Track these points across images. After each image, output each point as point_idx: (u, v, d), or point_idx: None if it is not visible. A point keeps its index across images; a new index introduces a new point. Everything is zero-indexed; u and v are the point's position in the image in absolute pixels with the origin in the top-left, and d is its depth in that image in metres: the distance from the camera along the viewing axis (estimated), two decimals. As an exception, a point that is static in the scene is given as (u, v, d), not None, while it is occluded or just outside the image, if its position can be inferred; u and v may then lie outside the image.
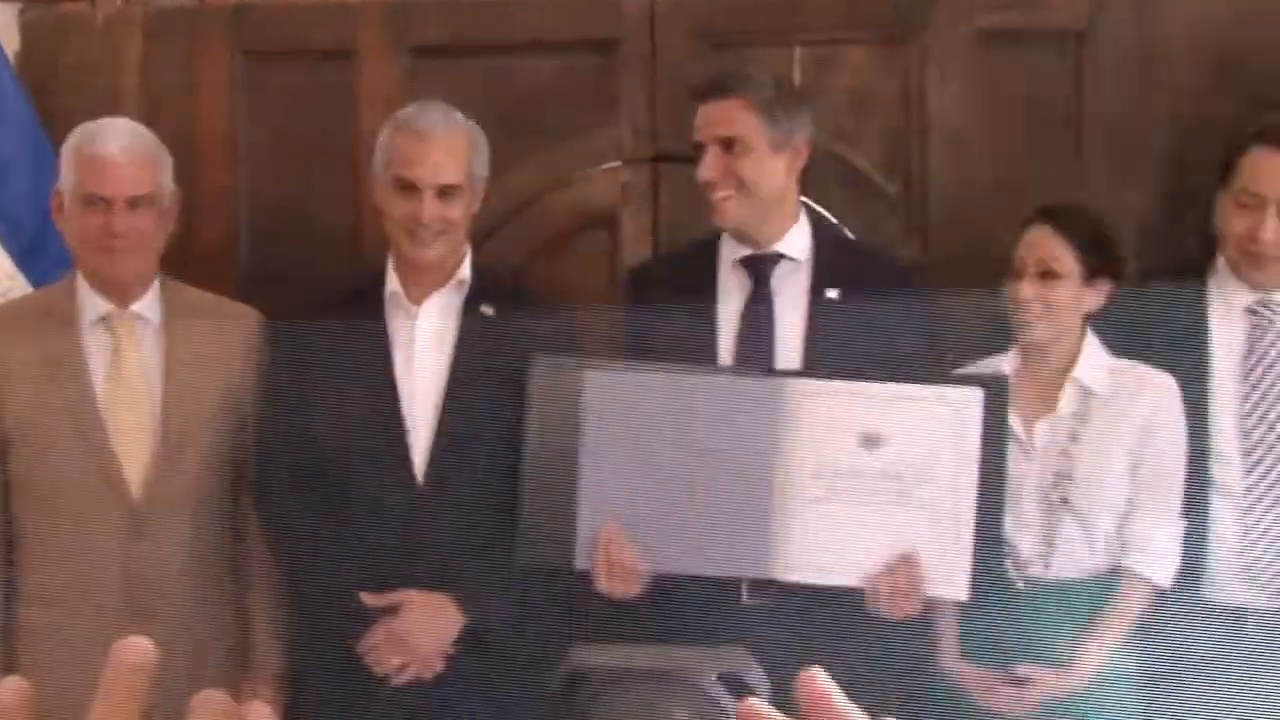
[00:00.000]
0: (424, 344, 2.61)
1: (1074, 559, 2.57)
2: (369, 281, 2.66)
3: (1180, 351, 2.63)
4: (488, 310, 2.62)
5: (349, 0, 3.39)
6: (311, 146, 3.22)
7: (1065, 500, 2.56)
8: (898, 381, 2.39)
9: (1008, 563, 2.57)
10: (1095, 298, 2.62)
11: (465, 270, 2.64)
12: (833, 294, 2.56)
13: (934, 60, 3.12)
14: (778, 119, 2.51)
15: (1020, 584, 2.58)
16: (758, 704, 0.57)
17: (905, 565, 2.34)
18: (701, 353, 2.53)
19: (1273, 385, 2.60)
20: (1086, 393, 2.59)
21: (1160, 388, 2.59)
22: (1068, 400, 2.59)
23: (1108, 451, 2.57)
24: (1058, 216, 2.63)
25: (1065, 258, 2.59)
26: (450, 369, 2.59)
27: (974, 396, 2.36)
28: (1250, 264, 2.61)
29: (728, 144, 2.48)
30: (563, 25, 3.25)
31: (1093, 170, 3.20)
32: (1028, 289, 2.57)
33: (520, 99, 3.22)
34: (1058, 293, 2.58)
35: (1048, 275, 2.58)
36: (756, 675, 0.66)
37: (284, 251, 3.23)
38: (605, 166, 3.04)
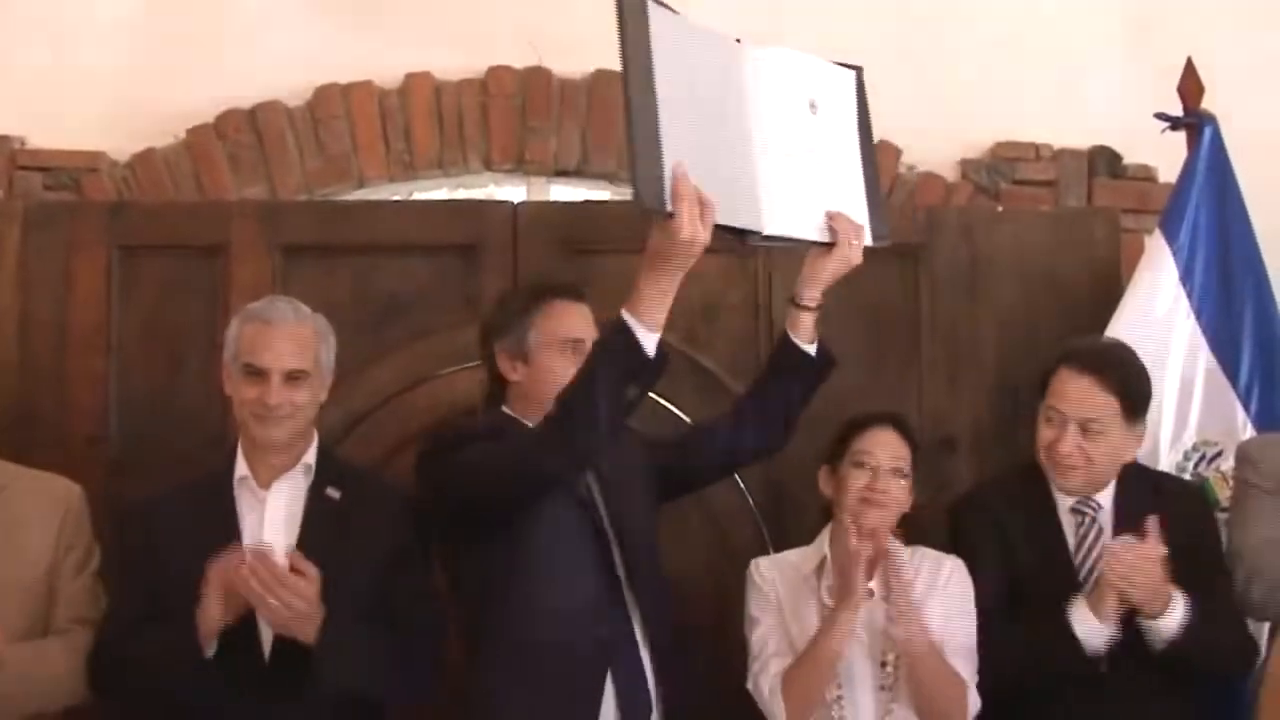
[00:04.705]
0: (273, 526, 2.67)
1: None
2: (220, 467, 2.74)
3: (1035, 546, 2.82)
4: (333, 493, 2.71)
5: (223, 200, 3.57)
6: (182, 337, 3.34)
7: (896, 682, 2.66)
8: None
9: None
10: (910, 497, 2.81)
11: (311, 454, 2.73)
12: None
13: (779, 270, 3.33)
14: None
15: None
16: None
17: (842, 218, 2.61)
18: None
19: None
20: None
21: (955, 566, 2.77)
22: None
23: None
24: (897, 422, 2.82)
25: (908, 459, 2.77)
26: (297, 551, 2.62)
27: (851, 78, 2.70)
28: (1057, 473, 2.84)
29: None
30: (428, 229, 3.43)
31: (929, 376, 3.43)
32: (883, 483, 2.73)
33: (386, 298, 3.39)
34: (898, 492, 2.76)
35: (896, 474, 2.75)
36: None
37: (153, 435, 3.32)
38: (467, 365, 3.16)
